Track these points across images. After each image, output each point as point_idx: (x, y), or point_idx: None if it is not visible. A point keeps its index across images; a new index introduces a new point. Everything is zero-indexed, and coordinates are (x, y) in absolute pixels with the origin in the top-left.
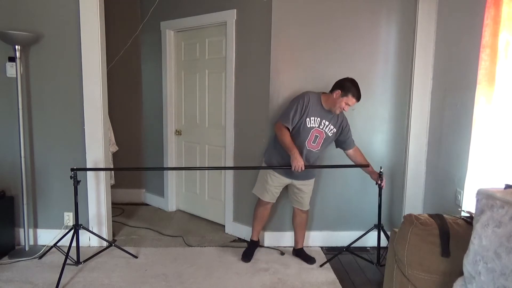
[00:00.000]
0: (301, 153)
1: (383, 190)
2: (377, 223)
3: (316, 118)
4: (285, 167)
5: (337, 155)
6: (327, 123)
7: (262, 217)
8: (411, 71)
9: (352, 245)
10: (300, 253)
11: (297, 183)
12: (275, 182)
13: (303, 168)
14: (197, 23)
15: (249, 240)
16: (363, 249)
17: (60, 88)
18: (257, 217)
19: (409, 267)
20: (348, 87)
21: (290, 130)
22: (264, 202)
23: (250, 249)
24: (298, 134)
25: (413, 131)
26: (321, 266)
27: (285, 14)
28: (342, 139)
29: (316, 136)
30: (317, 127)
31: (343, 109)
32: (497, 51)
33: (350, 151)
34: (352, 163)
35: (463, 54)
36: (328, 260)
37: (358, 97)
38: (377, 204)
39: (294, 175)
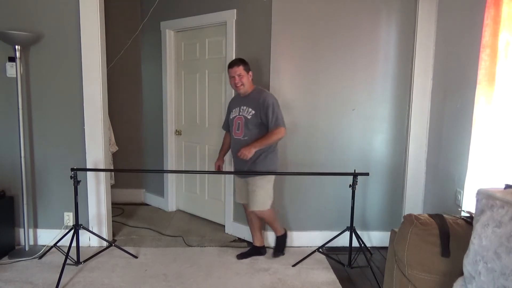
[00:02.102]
0: (233, 144)
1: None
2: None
3: (236, 109)
4: (276, 173)
5: (327, 163)
6: (245, 107)
7: (248, 221)
8: (411, 71)
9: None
10: (277, 239)
11: (247, 180)
12: (236, 180)
13: (247, 158)
14: (197, 23)
15: (249, 240)
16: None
17: (60, 88)
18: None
19: (409, 267)
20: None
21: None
22: (242, 204)
23: (251, 253)
24: (229, 130)
25: (413, 131)
26: (293, 266)
27: (285, 14)
28: (265, 121)
29: (238, 123)
30: (238, 115)
31: (235, 84)
32: (497, 51)
33: None
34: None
35: (463, 54)
36: (300, 261)
37: (229, 65)
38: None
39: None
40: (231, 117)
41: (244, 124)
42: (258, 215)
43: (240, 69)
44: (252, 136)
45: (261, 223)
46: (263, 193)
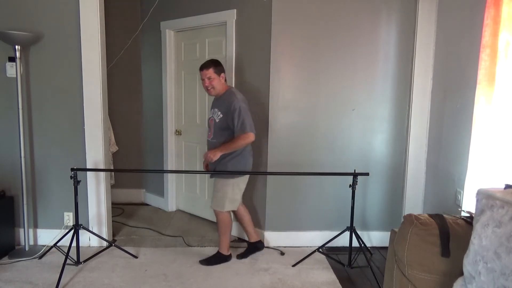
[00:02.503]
0: (207, 144)
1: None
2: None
3: (211, 110)
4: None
5: (327, 163)
6: (216, 109)
7: (237, 218)
8: (411, 71)
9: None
10: (249, 245)
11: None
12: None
13: (211, 161)
14: (197, 23)
15: (244, 240)
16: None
17: (60, 88)
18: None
19: (409, 267)
20: None
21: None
22: None
23: (251, 251)
24: None
25: (413, 131)
26: (293, 266)
27: (285, 14)
28: (231, 126)
29: (210, 125)
30: (211, 116)
31: (206, 87)
32: (497, 51)
33: None
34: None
35: (463, 54)
36: (300, 261)
37: (200, 68)
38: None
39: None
40: (208, 118)
41: (214, 127)
42: (216, 215)
43: (210, 72)
44: (220, 139)
45: (249, 218)
46: (221, 195)
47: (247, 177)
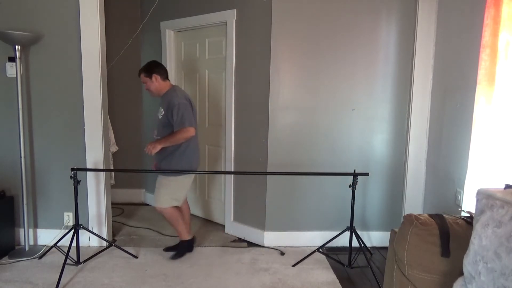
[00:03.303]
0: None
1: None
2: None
3: (159, 109)
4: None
5: (327, 163)
6: (160, 107)
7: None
8: (411, 71)
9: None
10: (180, 243)
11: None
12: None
13: (151, 153)
14: (197, 23)
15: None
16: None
17: (60, 88)
18: None
19: (409, 267)
20: None
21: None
22: None
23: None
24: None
25: (413, 131)
26: (293, 266)
27: (285, 14)
28: (172, 122)
29: (156, 124)
30: (157, 114)
31: (147, 89)
32: (497, 51)
33: None
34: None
35: (463, 54)
36: (300, 261)
37: (138, 74)
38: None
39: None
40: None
41: (157, 124)
42: (158, 212)
43: (142, 78)
44: (164, 135)
45: (188, 217)
46: (163, 191)
47: (192, 175)
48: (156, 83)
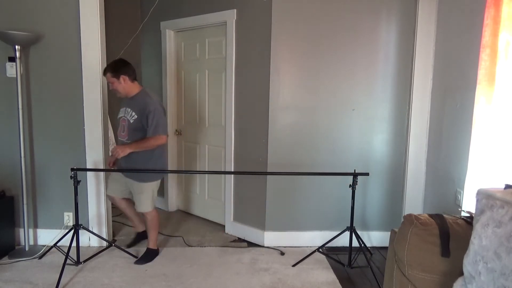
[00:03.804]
0: (119, 144)
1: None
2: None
3: (122, 109)
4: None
5: (327, 163)
6: (129, 109)
7: (122, 211)
8: (411, 71)
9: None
10: (146, 250)
11: (127, 181)
12: (112, 175)
13: (118, 157)
14: (197, 23)
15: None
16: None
17: (60, 88)
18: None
19: (409, 267)
20: None
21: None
22: (110, 197)
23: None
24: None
25: (413, 131)
26: (293, 266)
27: (285, 14)
28: (146, 127)
29: (123, 125)
30: (123, 116)
31: (112, 89)
32: (497, 51)
33: None
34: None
35: (463, 54)
36: (300, 261)
37: (103, 73)
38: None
39: (124, 173)
40: (118, 116)
41: (128, 128)
42: (143, 216)
43: (108, 78)
44: (135, 139)
45: (132, 207)
46: (146, 196)
47: (159, 179)
48: (124, 84)
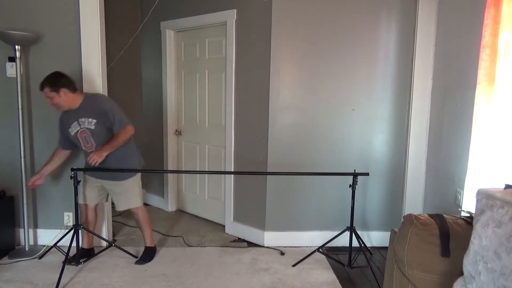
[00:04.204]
0: (87, 158)
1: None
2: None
3: (74, 123)
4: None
5: (327, 163)
6: (83, 119)
7: (88, 223)
8: (411, 71)
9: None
10: (145, 249)
11: (106, 184)
12: (88, 182)
13: (96, 164)
14: (197, 23)
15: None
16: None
17: None
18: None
19: (409, 267)
20: None
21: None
22: (83, 206)
23: (82, 256)
24: (77, 146)
25: (413, 131)
26: (293, 266)
27: (285, 14)
28: (109, 125)
29: (85, 137)
30: (80, 128)
31: (52, 105)
32: (497, 51)
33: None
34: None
35: (463, 54)
36: (300, 261)
37: (39, 87)
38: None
39: (99, 176)
40: (72, 134)
41: (92, 136)
42: (134, 213)
43: (46, 93)
44: (104, 143)
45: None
46: (131, 192)
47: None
48: (65, 97)
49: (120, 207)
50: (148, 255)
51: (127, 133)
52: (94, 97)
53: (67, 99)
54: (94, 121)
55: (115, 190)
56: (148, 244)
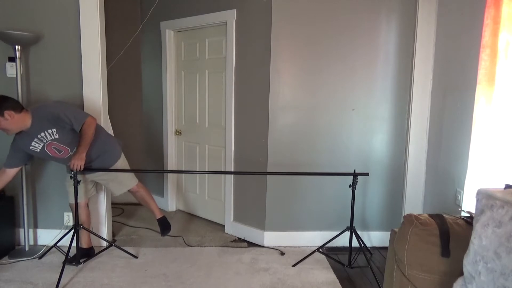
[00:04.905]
0: (67, 162)
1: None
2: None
3: (34, 142)
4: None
5: (327, 163)
6: (43, 134)
7: (83, 222)
8: (411, 71)
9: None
10: (158, 222)
11: (95, 176)
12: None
13: (81, 168)
14: (197, 23)
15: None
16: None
17: (60, 88)
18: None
19: (409, 267)
20: None
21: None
22: (71, 204)
23: (82, 256)
24: (49, 158)
25: (413, 131)
26: (293, 266)
27: (285, 14)
28: (69, 127)
29: (54, 148)
30: (46, 142)
31: (1, 129)
32: (497, 51)
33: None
34: None
35: (463, 54)
36: (300, 261)
37: None
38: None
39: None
40: (37, 151)
41: (61, 142)
42: (135, 192)
43: None
44: (75, 141)
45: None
46: (122, 175)
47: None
48: (11, 119)
49: (118, 192)
50: (166, 224)
51: (91, 126)
52: (40, 108)
53: (14, 120)
54: (54, 130)
55: (108, 178)
56: (158, 216)
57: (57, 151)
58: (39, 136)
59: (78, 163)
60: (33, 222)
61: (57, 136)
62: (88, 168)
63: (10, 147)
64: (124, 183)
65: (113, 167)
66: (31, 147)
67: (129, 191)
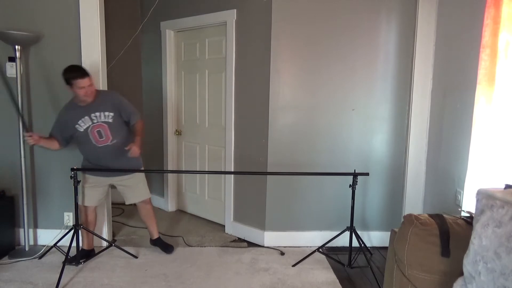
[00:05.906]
0: (96, 154)
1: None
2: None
3: (84, 118)
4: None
5: (327, 163)
6: (98, 113)
7: (88, 224)
8: (411, 71)
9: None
10: (156, 243)
11: (116, 180)
12: (90, 183)
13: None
14: (197, 23)
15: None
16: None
17: (60, 88)
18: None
19: (409, 267)
20: (67, 78)
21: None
22: (83, 207)
23: (82, 257)
24: (81, 144)
25: (413, 131)
26: (293, 266)
27: (285, 14)
28: (126, 118)
29: (99, 131)
30: (93, 123)
31: (85, 95)
32: (497, 51)
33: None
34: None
35: (463, 54)
36: (300, 261)
37: (78, 76)
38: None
39: (107, 174)
40: (80, 130)
41: (110, 129)
42: (146, 204)
43: (88, 80)
44: (122, 136)
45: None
46: (143, 184)
47: None
48: (92, 87)
49: (132, 200)
50: (164, 243)
51: (142, 125)
52: (107, 92)
53: (93, 88)
54: (111, 114)
55: (126, 184)
56: (155, 236)
57: (99, 136)
58: (93, 114)
59: (138, 150)
60: (33, 222)
61: (110, 121)
62: (88, 169)
63: (56, 118)
64: (141, 193)
65: (136, 174)
66: (76, 125)
67: (138, 203)
